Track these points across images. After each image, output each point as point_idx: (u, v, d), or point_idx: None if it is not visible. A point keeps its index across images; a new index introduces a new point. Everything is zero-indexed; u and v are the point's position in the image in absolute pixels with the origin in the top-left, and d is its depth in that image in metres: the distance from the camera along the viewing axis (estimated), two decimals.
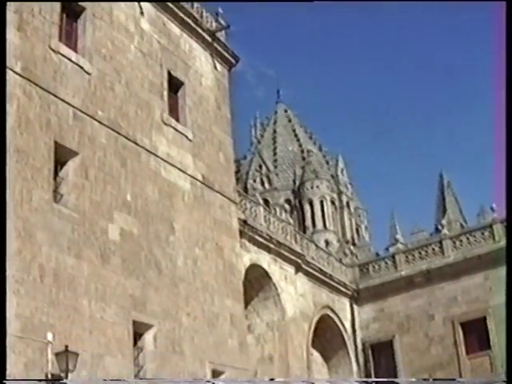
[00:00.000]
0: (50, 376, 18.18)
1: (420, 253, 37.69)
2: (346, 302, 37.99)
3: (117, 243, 21.97)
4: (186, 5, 28.22)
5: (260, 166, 56.97)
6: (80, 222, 20.85)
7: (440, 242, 37.29)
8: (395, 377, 35.94)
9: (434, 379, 29.91)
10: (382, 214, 79.03)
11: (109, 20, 24.29)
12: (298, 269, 33.79)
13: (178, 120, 26.71)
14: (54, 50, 21.61)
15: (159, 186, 24.60)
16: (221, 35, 30.31)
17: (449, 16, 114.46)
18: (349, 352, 37.23)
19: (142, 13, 25.91)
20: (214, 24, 29.87)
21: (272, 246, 31.77)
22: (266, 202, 49.27)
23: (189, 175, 26.25)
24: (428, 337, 35.97)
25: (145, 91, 25.20)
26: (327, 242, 49.92)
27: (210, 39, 29.47)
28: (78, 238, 20.58)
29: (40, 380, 17.85)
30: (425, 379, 31.87)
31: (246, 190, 52.14)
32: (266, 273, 31.54)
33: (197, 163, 26.92)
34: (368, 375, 36.82)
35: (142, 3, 25.90)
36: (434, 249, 37.31)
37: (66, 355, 18.21)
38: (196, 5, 28.98)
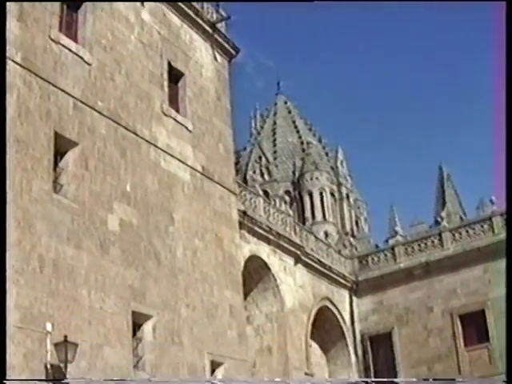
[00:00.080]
0: (49, 366, 18.22)
1: (419, 245, 37.69)
2: (345, 293, 38.01)
3: (116, 234, 21.97)
4: None
5: (260, 158, 56.96)
6: (80, 212, 20.85)
7: (439, 235, 37.29)
8: (394, 368, 36.00)
9: (434, 379, 29.88)
10: (381, 206, 79.33)
11: (109, 10, 24.24)
12: (298, 260, 33.82)
13: (178, 111, 26.69)
14: (54, 41, 21.57)
15: (159, 176, 24.59)
16: (221, 26, 30.26)
17: (449, 16, 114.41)
18: (347, 344, 37.26)
19: (142, 3, 25.86)
20: (215, 15, 29.82)
21: (271, 237, 31.79)
22: (265, 193, 49.26)
23: (189, 166, 26.24)
24: (427, 329, 35.98)
25: (145, 82, 25.17)
26: (326, 234, 49.93)
27: (210, 30, 29.43)
28: (77, 228, 20.58)
29: (40, 380, 17.87)
30: (425, 379, 31.86)
31: (245, 181, 52.14)
32: (266, 264, 31.56)
33: (197, 154, 26.91)
34: (366, 367, 36.88)
35: None
36: (433, 241, 37.32)
37: (65, 345, 18.23)
38: None
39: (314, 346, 36.13)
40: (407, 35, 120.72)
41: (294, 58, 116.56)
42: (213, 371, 24.71)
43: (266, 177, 55.83)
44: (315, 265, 35.47)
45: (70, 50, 22.15)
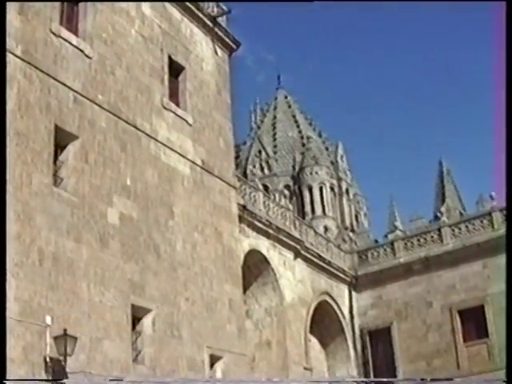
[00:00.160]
0: (48, 359, 18.24)
1: (419, 240, 37.70)
2: (345, 288, 38.01)
3: (116, 227, 21.98)
4: None
5: (260, 152, 56.86)
6: (79, 205, 20.85)
7: (439, 230, 37.30)
8: (392, 363, 36.05)
9: (432, 379, 29.84)
10: (381, 201, 79.17)
11: (110, 4, 24.20)
12: (297, 254, 33.83)
13: (178, 105, 26.68)
14: (54, 34, 21.56)
15: (159, 170, 24.59)
16: (222, 20, 30.23)
17: (449, 16, 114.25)
18: (346, 338, 37.28)
19: None
20: (216, 9, 29.79)
21: (271, 231, 31.80)
22: (265, 187, 49.19)
23: (188, 160, 26.24)
24: (426, 324, 36.00)
25: (145, 76, 25.15)
26: (326, 228, 49.84)
27: (210, 24, 29.40)
28: (77, 221, 20.59)
29: (41, 380, 17.88)
30: (422, 379, 31.85)
31: (245, 175, 52.07)
32: (265, 258, 31.58)
33: (197, 148, 26.90)
34: (365, 362, 36.91)
35: None
36: (432, 236, 37.32)
37: (64, 339, 18.26)
38: None
39: (313, 340, 36.14)
40: (407, 35, 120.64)
41: (294, 52, 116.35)
42: (212, 365, 24.71)
43: (266, 171, 55.75)
44: (315, 259, 35.47)
45: (70, 43, 22.14)
